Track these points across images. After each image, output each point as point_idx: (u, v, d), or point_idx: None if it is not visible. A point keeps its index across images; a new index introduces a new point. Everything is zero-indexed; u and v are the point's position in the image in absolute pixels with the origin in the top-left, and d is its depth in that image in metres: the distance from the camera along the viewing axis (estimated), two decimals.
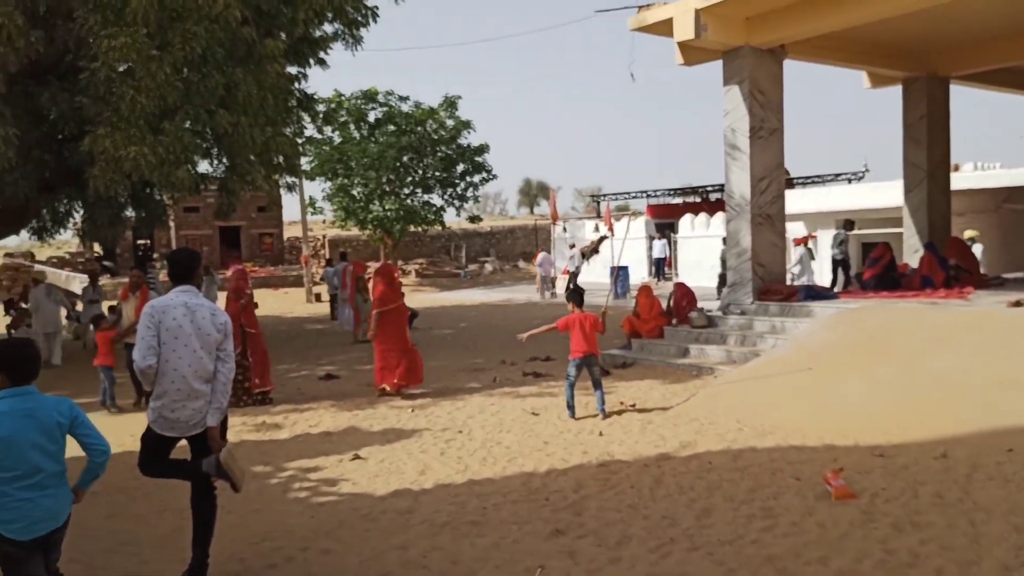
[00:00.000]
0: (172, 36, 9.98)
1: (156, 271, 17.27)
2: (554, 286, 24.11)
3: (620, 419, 7.79)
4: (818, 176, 30.91)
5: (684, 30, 10.75)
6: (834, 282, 15.45)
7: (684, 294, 12.09)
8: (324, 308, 22.19)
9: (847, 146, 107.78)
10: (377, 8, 13.91)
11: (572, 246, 23.08)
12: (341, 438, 7.58)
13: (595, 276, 24.30)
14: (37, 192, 12.15)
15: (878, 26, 11.25)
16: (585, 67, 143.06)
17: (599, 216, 32.55)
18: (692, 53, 11.74)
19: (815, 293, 11.60)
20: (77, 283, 23.79)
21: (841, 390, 7.64)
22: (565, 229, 29.92)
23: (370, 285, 14.93)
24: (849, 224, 16.09)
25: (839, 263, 15.71)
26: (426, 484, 6.04)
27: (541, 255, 25.35)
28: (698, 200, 33.41)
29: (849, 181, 29.16)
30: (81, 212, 14.85)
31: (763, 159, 11.54)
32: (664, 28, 11.15)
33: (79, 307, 16.80)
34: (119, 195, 12.76)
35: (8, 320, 15.10)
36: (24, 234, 16.42)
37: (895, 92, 14.49)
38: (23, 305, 16.02)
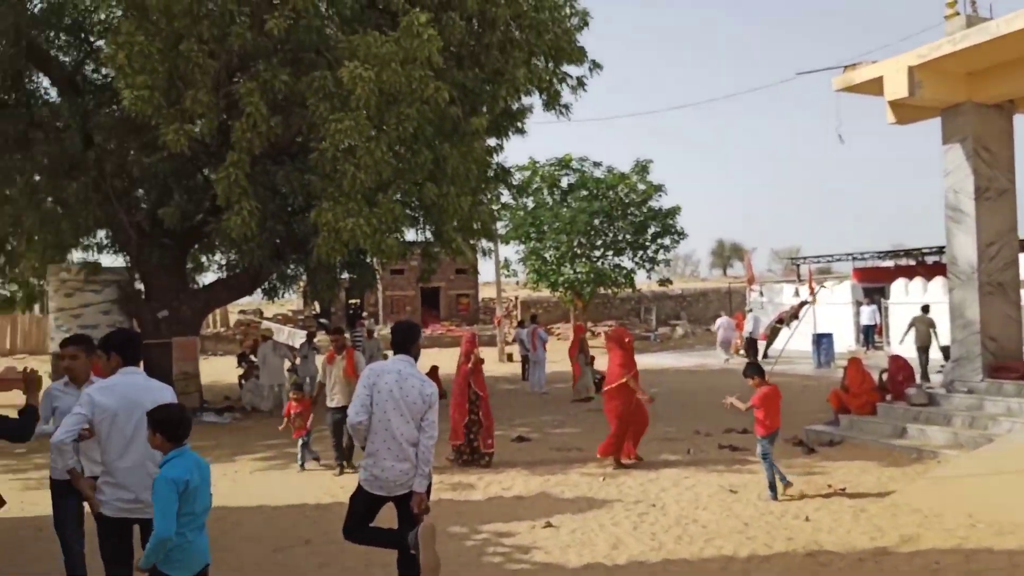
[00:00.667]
0: (388, 118, 10.90)
1: (363, 329, 18.52)
2: (735, 352, 23.12)
3: (829, 505, 7.21)
4: None
5: (896, 88, 10.11)
6: None
7: (900, 368, 11.11)
8: (516, 368, 22.67)
9: None
10: (585, 78, 14.42)
11: (925, 308, 19.53)
12: (533, 503, 7.62)
13: (796, 344, 22.94)
14: (270, 258, 13.57)
15: None
16: (781, 125, 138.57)
17: (798, 279, 30.94)
18: (905, 111, 10.99)
19: None
20: (297, 339, 26.14)
21: None
22: (762, 293, 28.69)
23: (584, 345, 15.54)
24: None
25: None
26: (619, 559, 5.89)
27: (721, 319, 24.53)
28: (912, 263, 30.82)
29: None
30: (304, 276, 16.36)
31: (992, 222, 10.47)
32: (873, 87, 10.57)
33: (297, 361, 18.39)
34: (336, 261, 13.96)
35: (241, 371, 16.86)
36: (256, 294, 18.38)
37: None
38: (252, 358, 17.84)
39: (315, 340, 18.29)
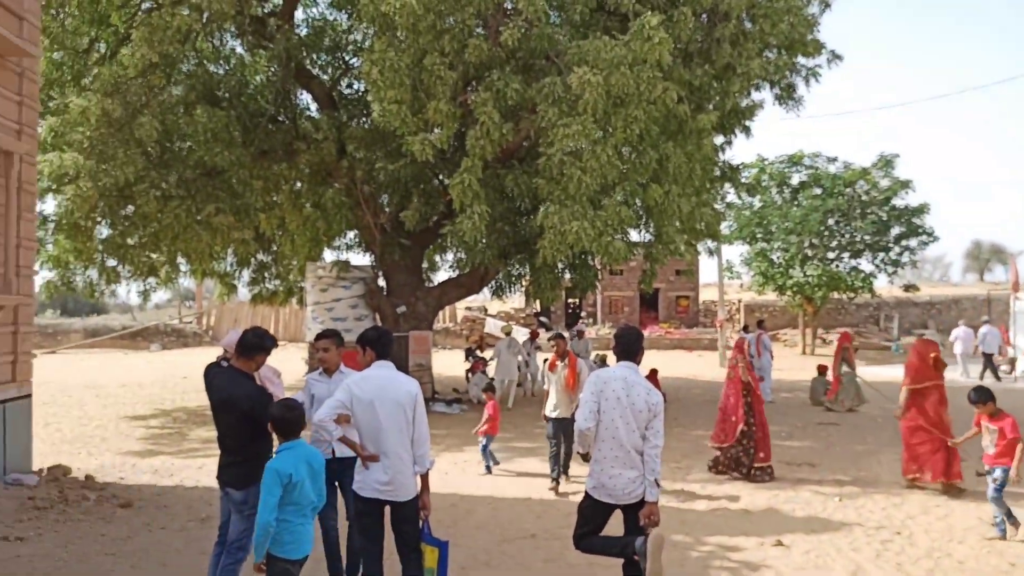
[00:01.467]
0: (615, 120, 10.93)
1: (581, 328, 18.80)
2: (992, 366, 20.44)
3: None
4: None
5: None
6: None
7: None
8: None
9: None
10: (819, 67, 13.57)
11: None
12: (761, 519, 7.29)
13: None
14: (497, 258, 14.17)
15: None
16: None
17: None
18: None
19: None
20: (520, 335, 27.16)
21: None
22: None
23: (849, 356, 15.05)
24: None
25: None
26: None
27: (958, 329, 22.00)
28: None
29: None
30: (528, 275, 16.90)
31: None
32: None
33: (520, 357, 19.06)
34: (558, 262, 14.26)
35: (468, 365, 17.78)
36: (484, 292, 19.29)
37: None
38: (479, 353, 18.75)
39: (537, 339, 18.86)
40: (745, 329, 21.57)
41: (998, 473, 6.58)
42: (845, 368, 15.09)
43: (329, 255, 17.84)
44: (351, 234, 17.48)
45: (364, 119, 14.78)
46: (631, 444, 4.44)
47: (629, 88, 10.57)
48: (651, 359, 25.63)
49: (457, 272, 18.81)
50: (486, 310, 38.17)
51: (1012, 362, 21.43)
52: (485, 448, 9.61)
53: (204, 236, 14.96)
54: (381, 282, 16.46)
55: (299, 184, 14.67)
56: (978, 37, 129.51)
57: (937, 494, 8.14)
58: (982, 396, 6.89)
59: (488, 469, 9.53)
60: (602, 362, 16.34)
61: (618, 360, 4.70)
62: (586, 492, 4.63)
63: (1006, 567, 5.85)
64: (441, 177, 15.31)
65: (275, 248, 17.86)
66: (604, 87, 10.45)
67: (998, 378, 20.10)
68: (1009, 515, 6.64)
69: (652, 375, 16.98)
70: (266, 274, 19.37)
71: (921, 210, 26.76)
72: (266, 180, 14.09)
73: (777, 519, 7.25)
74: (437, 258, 19.97)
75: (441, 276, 19.53)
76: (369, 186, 14.41)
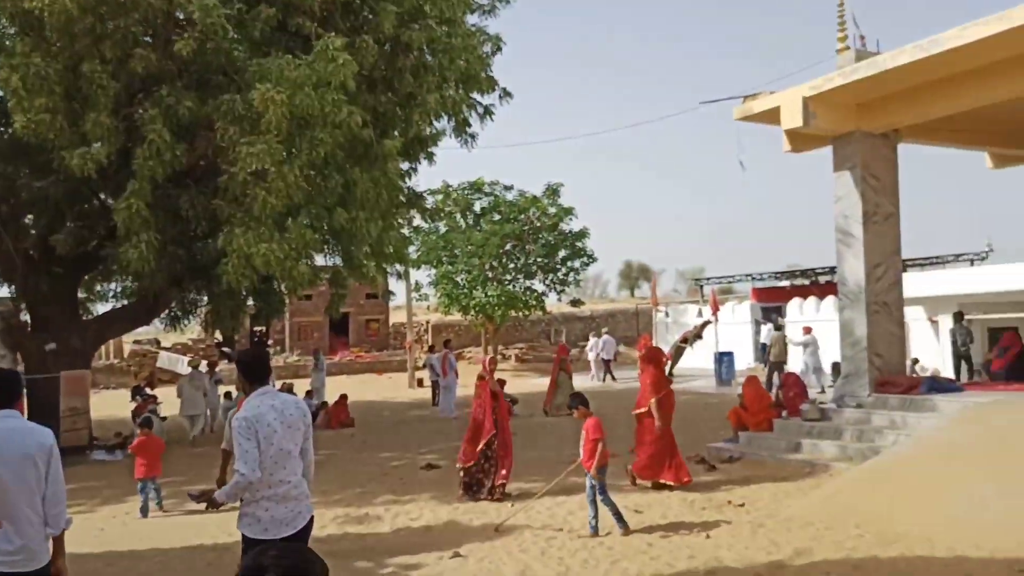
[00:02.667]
0: (300, 142, 10.80)
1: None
2: (609, 370, 25.13)
3: (728, 521, 7.49)
4: (937, 257, 29.43)
5: (792, 118, 10.73)
6: (958, 373, 14.90)
7: (794, 384, 11.69)
8: (425, 393, 22.55)
9: (969, 225, 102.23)
10: (493, 106, 14.61)
11: (779, 327, 22.37)
12: (441, 533, 7.61)
13: (699, 361, 23.71)
14: (169, 285, 13.12)
15: (1000, 107, 10.89)
16: (686, 150, 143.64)
17: (702, 299, 32.03)
18: (800, 140, 11.67)
19: (939, 386, 10.94)
20: (181, 365, 25.51)
21: (971, 495, 7.10)
22: (667, 313, 29.56)
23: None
24: (959, 316, 16.24)
25: (962, 355, 15.63)
26: None
27: (595, 338, 25.97)
28: (806, 283, 32.37)
29: (971, 262, 27.62)
30: (207, 303, 15.87)
31: (878, 245, 11.19)
32: (770, 117, 11.18)
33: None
34: (242, 288, 13.63)
35: (135, 405, 16.14)
36: (155, 323, 17.68)
37: (1021, 171, 13.84)
38: (148, 391, 17.13)
39: (217, 370, 17.76)
40: (431, 349, 22.41)
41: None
42: (563, 376, 16.91)
43: None
44: None
45: (3, 129, 12.83)
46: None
47: (314, 109, 10.52)
48: (342, 384, 25.45)
49: (123, 302, 17.04)
50: (159, 342, 34.99)
51: (608, 364, 25.14)
52: (143, 489, 9.05)
53: None
54: (26, 316, 14.34)
55: None
56: (629, 87, 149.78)
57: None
58: (575, 401, 7.75)
59: (143, 512, 8.96)
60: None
61: (252, 388, 4.26)
62: (244, 535, 4.15)
63: (645, 547, 6.78)
64: (102, 196, 13.81)
65: None
66: (288, 107, 10.27)
67: (614, 379, 24.38)
68: (618, 517, 7.18)
69: (341, 400, 16.94)
70: None
71: (583, 234, 30.06)
72: None
73: (457, 531, 7.63)
74: (99, 287, 17.91)
75: (105, 307, 17.55)
76: (7, 205, 12.51)
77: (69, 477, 11.65)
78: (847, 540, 6.63)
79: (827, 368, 18.85)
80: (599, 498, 7.27)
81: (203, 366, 18.84)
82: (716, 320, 22.70)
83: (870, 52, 10.65)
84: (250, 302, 17.33)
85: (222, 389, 17.08)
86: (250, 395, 4.24)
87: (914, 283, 20.22)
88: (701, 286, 36.84)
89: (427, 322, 39.56)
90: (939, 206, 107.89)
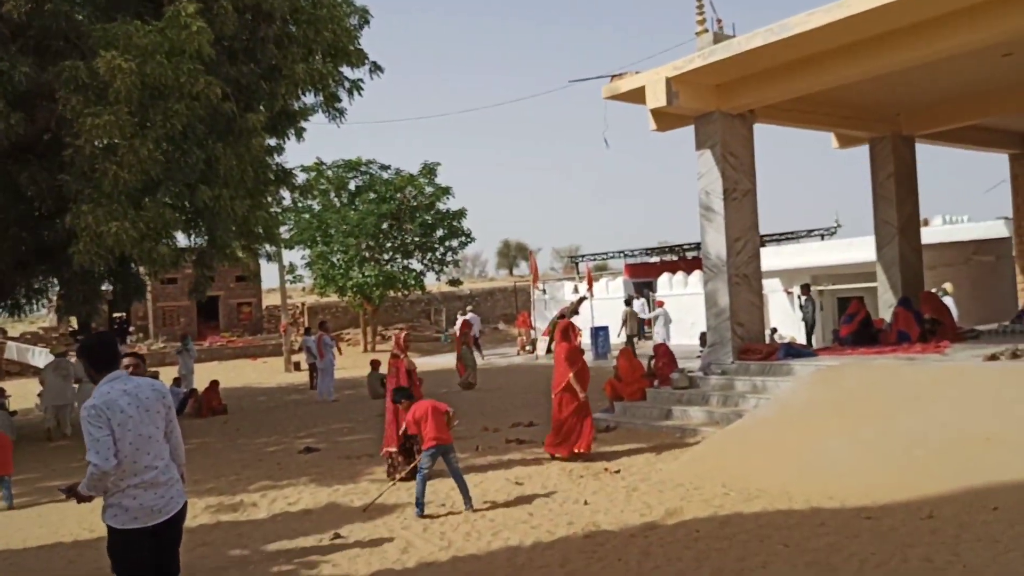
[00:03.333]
0: (154, 114, 10.12)
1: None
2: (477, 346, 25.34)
3: (605, 487, 7.71)
4: (791, 233, 31.43)
5: (656, 98, 11.05)
6: (809, 340, 16.26)
7: (664, 354, 12.13)
8: (303, 377, 21.97)
9: (819, 203, 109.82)
10: (361, 81, 14.21)
11: (627, 301, 23.42)
12: (321, 516, 7.43)
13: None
14: (12, 269, 12.07)
15: (843, 90, 11.65)
16: (560, 130, 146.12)
17: (577, 276, 32.78)
18: (664, 119, 12.05)
19: (795, 351, 11.68)
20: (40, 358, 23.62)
21: (824, 451, 7.64)
22: (545, 291, 30.05)
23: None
24: (806, 288, 18.31)
25: (809, 324, 17.86)
26: (409, 563, 5.90)
27: (468, 316, 25.67)
28: (675, 259, 33.78)
29: (822, 237, 29.67)
30: (57, 288, 14.74)
31: (738, 220, 11.75)
32: (636, 96, 11.46)
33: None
34: (97, 270, 12.70)
35: None
36: None
37: (864, 151, 14.89)
38: None
39: (72, 359, 16.52)
40: (307, 331, 21.81)
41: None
42: (465, 349, 17.73)
43: None
44: None
45: None
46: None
47: (168, 79, 9.89)
48: (213, 371, 24.38)
49: None
50: (5, 332, 32.32)
51: (533, 343, 25.25)
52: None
53: None
54: None
55: None
56: (504, 64, 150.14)
57: (472, 464, 9.19)
58: (397, 397, 8.08)
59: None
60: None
61: (99, 375, 3.99)
62: (111, 527, 3.92)
63: (526, 516, 6.87)
64: None
65: None
66: (138, 75, 9.60)
67: (481, 355, 24.78)
68: (419, 502, 7.12)
69: (212, 386, 16.21)
70: None
71: (460, 214, 30.00)
72: None
73: (337, 513, 7.47)
74: None
75: None
76: None
77: None
78: (714, 498, 6.96)
79: (694, 339, 19.81)
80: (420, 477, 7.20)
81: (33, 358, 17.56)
82: (591, 296, 23.29)
83: (727, 35, 11.10)
84: (107, 286, 16.24)
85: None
86: (99, 383, 3.96)
87: (771, 257, 21.53)
88: (576, 263, 37.73)
89: (302, 304, 38.47)
90: (792, 184, 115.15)
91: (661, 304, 21.89)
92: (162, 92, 10.09)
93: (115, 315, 36.64)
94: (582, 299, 23.51)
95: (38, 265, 12.82)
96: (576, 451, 9.05)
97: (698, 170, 11.90)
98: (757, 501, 6.77)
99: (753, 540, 5.73)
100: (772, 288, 21.13)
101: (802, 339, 17.31)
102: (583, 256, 38.20)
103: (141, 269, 15.85)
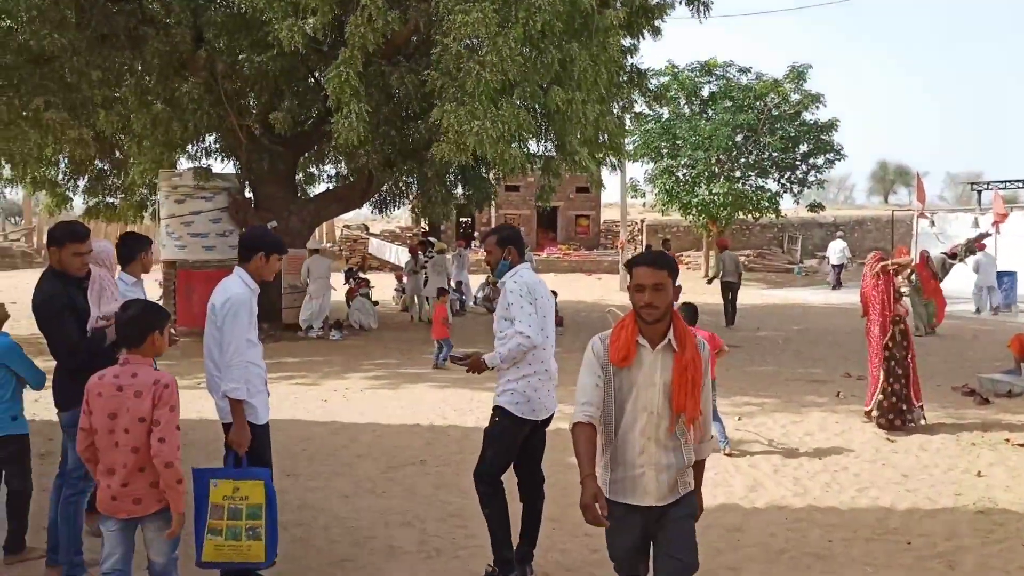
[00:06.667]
0: (517, 10, 10.76)
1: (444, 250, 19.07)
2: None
3: (1006, 460, 6.87)
4: None
5: None
6: None
7: None
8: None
9: None
10: None
11: (952, 254, 20.28)
12: None
13: (964, 284, 21.47)
14: (382, 167, 13.88)
15: None
16: (963, 22, 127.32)
17: (979, 207, 28.90)
18: None
19: None
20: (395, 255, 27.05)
21: None
22: (933, 223, 27.00)
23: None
24: None
25: None
26: (758, 502, 5.88)
27: (834, 242, 26.78)
28: None
29: None
30: (416, 188, 16.68)
31: None
32: None
33: (404, 279, 19.03)
34: (454, 169, 14.04)
35: (347, 288, 17.56)
36: (364, 209, 18.96)
37: None
38: (361, 275, 18.54)
39: (419, 257, 18.58)
40: (648, 250, 22.18)
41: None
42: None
43: (185, 163, 16.96)
44: (211, 138, 16.60)
45: (225, 1, 13.92)
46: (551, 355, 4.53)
47: None
48: (549, 282, 26.08)
49: (337, 183, 18.31)
50: (367, 228, 37.61)
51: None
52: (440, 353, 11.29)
53: (32, 135, 13.90)
54: (248, 193, 15.87)
55: (147, 77, 13.73)
56: None
57: (832, 411, 8.75)
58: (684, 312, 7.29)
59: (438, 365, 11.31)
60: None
61: (522, 259, 4.59)
62: (504, 411, 4.35)
63: (899, 478, 6.42)
64: (317, 74, 14.71)
65: (118, 154, 16.80)
66: None
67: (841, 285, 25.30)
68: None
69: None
70: (107, 184, 18.25)
71: (830, 126, 27.87)
72: (106, 71, 13.04)
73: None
74: (314, 169, 19.39)
75: (320, 190, 19.01)
76: (232, 81, 13.66)
77: (289, 351, 13.01)
78: None
79: None
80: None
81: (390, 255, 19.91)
82: (998, 232, 20.45)
83: None
84: (459, 190, 18.01)
85: (421, 278, 17.94)
86: (517, 267, 4.52)
87: None
88: (979, 191, 33.26)
89: (641, 221, 39.17)
90: None
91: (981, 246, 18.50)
92: None
93: (461, 220, 40.64)
94: (983, 235, 20.75)
95: (403, 164, 14.59)
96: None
97: None
98: None
99: None
100: None
101: None
102: (988, 183, 33.48)
103: (491, 174, 17.28)
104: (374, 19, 10.63)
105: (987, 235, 20.51)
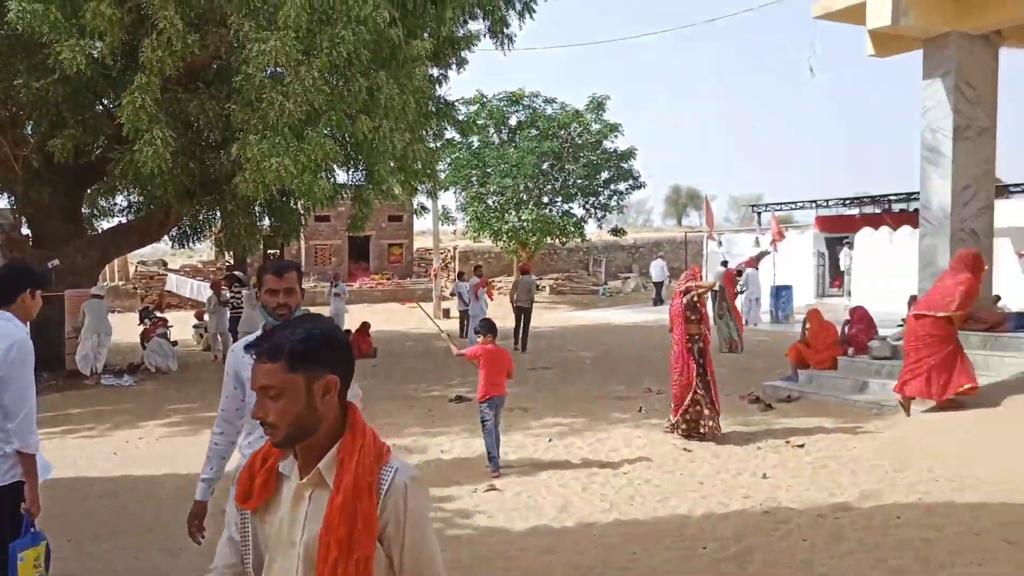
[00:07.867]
0: (321, 40, 10.65)
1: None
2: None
3: (787, 462, 7.52)
4: None
5: (879, 16, 10.26)
6: None
7: (861, 319, 11.53)
8: (453, 324, 22.74)
9: None
10: (535, 2, 14.25)
11: (724, 263, 22.23)
12: (474, 466, 7.74)
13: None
14: (179, 199, 13.22)
15: None
16: (742, 65, 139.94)
17: (759, 228, 31.57)
18: (886, 42, 11.22)
19: None
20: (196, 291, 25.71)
21: None
22: (720, 243, 29.21)
23: None
24: None
25: None
26: (567, 522, 6.07)
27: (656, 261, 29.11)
28: (878, 211, 31.71)
29: None
30: (220, 221, 16.00)
31: (969, 164, 10.83)
32: (853, 15, 10.76)
33: (205, 317, 18.14)
34: (259, 203, 13.62)
35: (142, 328, 16.50)
36: (161, 243, 17.94)
37: None
38: (158, 314, 17.49)
39: (221, 293, 17.78)
40: (460, 276, 22.48)
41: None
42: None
43: None
44: None
45: None
46: None
47: (336, 3, 10.34)
48: (362, 313, 25.73)
49: (130, 216, 17.21)
50: (165, 264, 35.57)
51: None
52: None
53: None
54: (25, 230, 14.60)
55: None
56: None
57: (635, 427, 9.23)
58: (482, 328, 7.89)
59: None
60: None
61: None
62: None
63: (695, 486, 6.85)
64: (105, 101, 13.83)
65: None
66: None
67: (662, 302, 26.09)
68: (492, 457, 7.45)
69: (363, 328, 17.16)
70: None
71: (629, 154, 29.56)
72: None
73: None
74: (103, 201, 18.12)
75: (112, 223, 17.78)
76: (7, 108, 12.59)
77: (75, 402, 11.98)
78: (919, 484, 6.61)
79: (897, 304, 18.67)
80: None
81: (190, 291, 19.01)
82: (775, 251, 22.43)
83: None
84: (265, 222, 17.45)
85: (228, 314, 17.16)
86: None
87: (1007, 212, 19.72)
88: (759, 213, 36.26)
89: (454, 248, 39.59)
90: None
91: (754, 264, 21.05)
92: (330, 17, 10.59)
93: (269, 252, 39.26)
94: (763, 254, 22.70)
95: (203, 196, 13.97)
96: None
97: (923, 103, 11.02)
98: (972, 491, 6.37)
99: (967, 533, 5.42)
100: (1000, 250, 19.42)
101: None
102: (766, 205, 36.65)
103: (300, 205, 16.89)
104: (173, 43, 10.16)
105: (767, 253, 22.49)
